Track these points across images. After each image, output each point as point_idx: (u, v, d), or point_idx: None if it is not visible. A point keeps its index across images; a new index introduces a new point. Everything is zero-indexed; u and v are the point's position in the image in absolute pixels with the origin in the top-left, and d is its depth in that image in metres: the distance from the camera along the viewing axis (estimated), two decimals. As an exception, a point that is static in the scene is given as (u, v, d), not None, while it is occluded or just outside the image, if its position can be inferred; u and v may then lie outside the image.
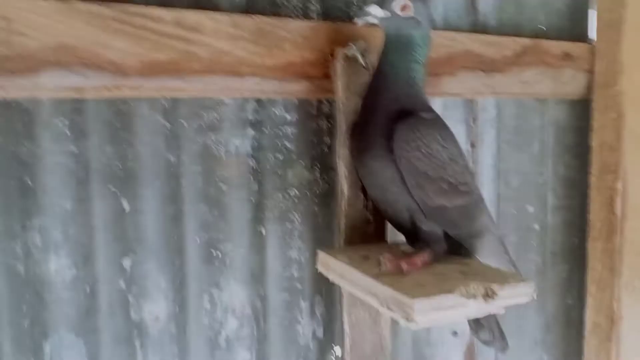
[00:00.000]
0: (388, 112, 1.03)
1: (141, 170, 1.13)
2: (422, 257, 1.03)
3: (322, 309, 1.34)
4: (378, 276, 0.98)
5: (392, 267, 1.00)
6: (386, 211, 1.10)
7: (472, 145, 1.53)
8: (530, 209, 1.65)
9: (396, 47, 1.05)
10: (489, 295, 0.94)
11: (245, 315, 1.25)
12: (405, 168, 0.99)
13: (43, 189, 1.04)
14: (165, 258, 1.16)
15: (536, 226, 1.66)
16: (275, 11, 1.24)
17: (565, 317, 1.73)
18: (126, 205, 1.12)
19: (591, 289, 1.61)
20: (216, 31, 1.12)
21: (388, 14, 1.03)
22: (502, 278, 0.98)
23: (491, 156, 1.57)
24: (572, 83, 1.60)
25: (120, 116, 1.11)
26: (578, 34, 1.67)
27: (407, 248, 1.13)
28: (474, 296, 0.93)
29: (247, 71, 1.16)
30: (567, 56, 1.57)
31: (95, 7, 1.01)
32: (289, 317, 1.31)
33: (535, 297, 0.98)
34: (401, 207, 1.05)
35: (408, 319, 0.88)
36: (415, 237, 1.08)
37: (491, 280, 0.96)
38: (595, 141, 1.60)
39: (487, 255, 1.12)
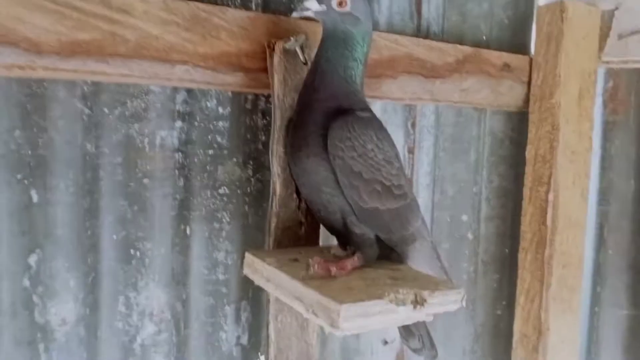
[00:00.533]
0: (324, 109, 0.99)
1: (54, 159, 1.04)
2: (352, 261, 0.98)
3: (248, 315, 1.28)
4: (305, 280, 0.93)
5: (321, 271, 0.95)
6: (319, 212, 1.05)
7: (410, 151, 1.51)
8: (465, 217, 1.65)
9: (333, 43, 1.02)
10: (418, 302, 0.91)
11: (164, 319, 1.17)
12: (339, 167, 0.95)
13: (-63, 173, 0.93)
14: (76, 255, 1.07)
15: (469, 235, 1.66)
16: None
17: (494, 327, 1.73)
18: (35, 196, 1.02)
19: (520, 299, 1.61)
20: (146, 13, 1.04)
21: (324, 7, 1.00)
22: (432, 285, 0.95)
23: (428, 163, 1.55)
24: (510, 94, 1.61)
25: (33, 98, 1.01)
26: (519, 45, 1.68)
27: (339, 251, 1.09)
28: (403, 302, 0.89)
29: (178, 58, 1.08)
30: (506, 67, 1.58)
31: (9, -23, 0.91)
32: (212, 323, 1.24)
33: (464, 305, 0.95)
34: (334, 208, 1.00)
35: (333, 325, 0.84)
36: (347, 240, 1.04)
37: (421, 286, 0.93)
38: (529, 153, 1.61)
39: (419, 261, 1.09)
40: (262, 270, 1.04)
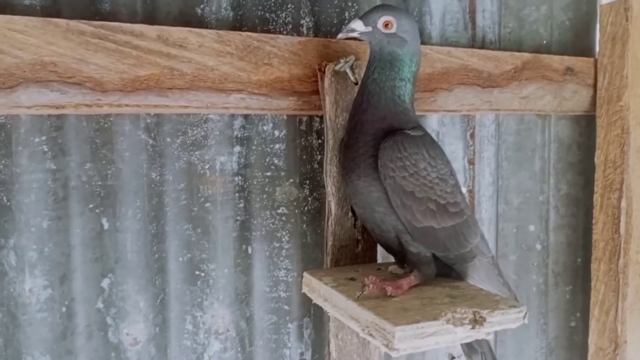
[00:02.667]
0: (374, 130, 1.00)
1: (122, 188, 1.11)
2: (408, 280, 0.98)
3: (310, 332, 1.30)
4: (361, 300, 0.94)
5: (376, 290, 0.96)
6: (373, 231, 1.06)
7: (470, 162, 1.49)
8: (532, 227, 1.60)
9: (380, 64, 1.02)
10: (477, 321, 0.90)
11: (229, 337, 1.22)
12: (391, 187, 0.95)
13: (19, 207, 1.02)
14: (145, 278, 1.13)
15: (538, 245, 1.60)
16: (265, 27, 1.22)
17: (568, 339, 1.67)
18: (106, 224, 1.10)
19: (594, 311, 1.54)
20: (201, 46, 1.10)
21: (370, 29, 1.01)
22: (492, 303, 0.93)
23: (490, 173, 1.52)
24: (574, 98, 1.55)
25: (101, 132, 1.09)
26: (583, 47, 1.62)
27: (396, 269, 1.09)
28: (461, 322, 0.88)
29: (233, 87, 1.13)
30: (569, 71, 1.53)
31: (74, 24, 0.99)
32: (276, 340, 1.27)
33: (526, 322, 0.93)
34: (388, 227, 1.01)
35: (389, 346, 0.84)
36: (403, 258, 1.04)
37: (480, 305, 0.92)
38: (599, 158, 1.54)
39: (479, 278, 1.07)
40: (319, 290, 1.06)
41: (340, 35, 1.03)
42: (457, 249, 1.03)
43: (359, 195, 1.03)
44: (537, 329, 1.62)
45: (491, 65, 1.41)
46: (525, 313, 0.93)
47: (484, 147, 1.51)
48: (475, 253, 1.06)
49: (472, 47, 1.46)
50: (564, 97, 1.53)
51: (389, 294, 0.95)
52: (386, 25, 1.00)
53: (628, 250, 1.48)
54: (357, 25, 1.01)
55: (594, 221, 1.56)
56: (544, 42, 1.57)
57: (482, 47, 1.48)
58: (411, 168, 0.95)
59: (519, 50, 1.52)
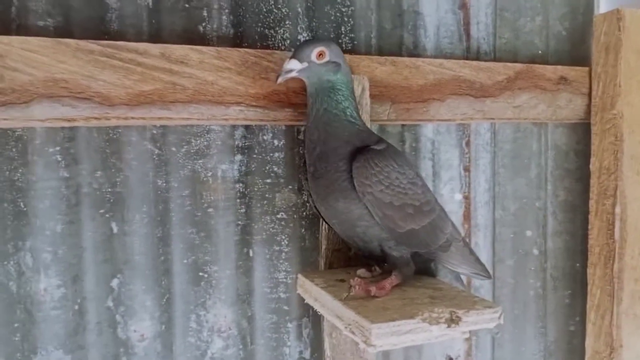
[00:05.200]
0: (341, 155, 1.05)
1: (130, 195, 1.19)
2: (390, 280, 1.05)
3: (309, 331, 1.37)
4: (346, 300, 1.00)
5: (362, 291, 1.02)
6: (356, 243, 1.12)
7: (466, 169, 1.54)
8: (529, 233, 1.64)
9: (324, 93, 1.07)
10: (453, 320, 0.95)
11: (231, 335, 1.29)
12: (371, 202, 1.02)
13: (35, 212, 1.11)
14: (152, 278, 1.21)
15: (535, 250, 1.64)
16: (264, 43, 1.30)
17: (567, 343, 1.70)
18: (115, 228, 1.18)
19: (590, 315, 1.58)
20: (202, 62, 1.18)
21: (306, 64, 1.06)
22: (470, 304, 0.99)
23: (486, 180, 1.57)
24: (569, 107, 1.59)
25: (110, 143, 1.17)
26: (579, 57, 1.66)
27: (364, 273, 1.16)
28: (437, 321, 0.94)
29: (232, 100, 1.21)
30: (563, 80, 1.57)
31: (83, 43, 1.08)
32: (276, 338, 1.34)
33: (502, 322, 0.98)
34: (370, 238, 1.07)
35: (367, 342, 0.90)
36: (382, 262, 1.11)
37: (458, 305, 0.98)
38: (594, 165, 1.58)
39: (457, 261, 1.15)
40: (311, 290, 1.13)
41: (279, 80, 1.07)
42: (437, 242, 1.10)
43: (338, 215, 1.08)
44: (535, 332, 1.66)
45: (484, 76, 1.46)
46: (501, 313, 0.98)
47: (480, 155, 1.56)
48: (450, 241, 1.13)
49: (467, 58, 1.52)
50: (558, 105, 1.57)
51: (372, 294, 1.02)
52: (320, 55, 1.06)
53: (623, 256, 1.51)
54: (294, 65, 1.06)
55: (589, 227, 1.59)
56: (540, 52, 1.62)
57: (477, 58, 1.53)
58: (385, 181, 1.02)
59: (514, 60, 1.57)
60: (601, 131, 1.56)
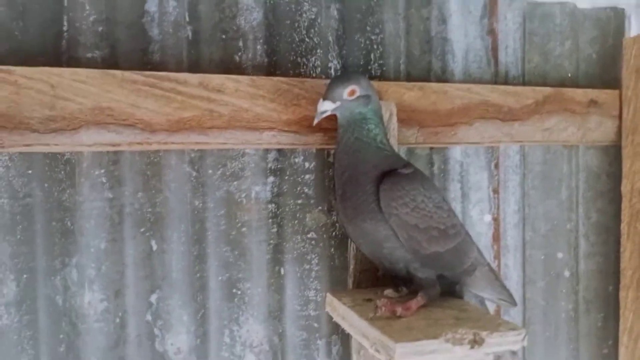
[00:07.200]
0: (370, 179, 1.09)
1: (169, 215, 1.26)
2: (416, 301, 1.08)
3: (338, 348, 1.40)
4: (372, 319, 1.04)
5: (387, 311, 1.06)
6: (382, 264, 1.16)
7: (495, 191, 1.56)
8: (560, 255, 1.64)
9: (355, 124, 1.13)
10: (476, 341, 0.98)
11: (263, 351, 1.34)
12: (397, 224, 1.06)
13: (81, 230, 1.19)
14: (188, 294, 1.27)
15: (566, 272, 1.64)
16: (296, 70, 1.36)
17: (601, 367, 1.69)
18: (154, 246, 1.25)
19: (623, 338, 1.56)
20: (237, 91, 1.24)
21: (339, 103, 1.12)
22: (494, 325, 1.01)
23: (515, 202, 1.59)
24: (600, 129, 1.60)
25: (151, 166, 1.25)
26: (610, 80, 1.67)
27: (391, 293, 1.19)
28: (460, 342, 0.97)
29: (265, 126, 1.27)
30: (593, 103, 1.58)
31: (128, 74, 1.16)
32: (306, 355, 1.38)
33: (525, 344, 1.00)
34: (396, 259, 1.11)
35: (391, 361, 0.94)
36: (409, 283, 1.14)
37: (482, 327, 1.00)
38: (625, 187, 1.58)
39: (481, 285, 1.17)
40: (339, 309, 1.17)
41: (315, 121, 1.14)
42: (461, 266, 1.13)
43: (365, 236, 1.13)
44: (568, 354, 1.65)
45: (511, 100, 1.49)
46: (524, 335, 1.00)
47: (509, 177, 1.58)
48: (475, 265, 1.16)
49: (496, 82, 1.54)
50: (588, 128, 1.58)
51: (398, 314, 1.05)
52: (352, 93, 1.11)
53: (656, 279, 1.50)
54: (327, 106, 1.12)
55: (621, 249, 1.59)
56: (569, 75, 1.63)
57: (506, 82, 1.56)
58: (411, 203, 1.05)
59: (544, 84, 1.59)
60: (632, 154, 1.56)
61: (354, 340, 1.26)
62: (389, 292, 1.19)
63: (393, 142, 1.31)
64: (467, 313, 1.09)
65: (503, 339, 0.99)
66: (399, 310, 1.05)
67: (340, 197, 1.15)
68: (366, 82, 1.15)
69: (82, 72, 1.13)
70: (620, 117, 1.60)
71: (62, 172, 1.19)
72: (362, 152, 1.12)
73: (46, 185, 1.17)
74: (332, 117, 1.29)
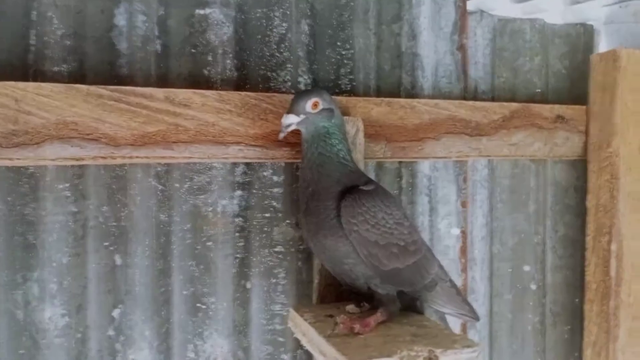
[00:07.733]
0: (332, 194, 1.11)
1: (133, 228, 1.26)
2: (375, 318, 1.09)
3: (304, 362, 1.41)
4: (330, 336, 1.05)
5: (346, 328, 1.07)
6: (344, 280, 1.17)
7: (463, 205, 1.57)
8: (527, 268, 1.66)
9: (319, 138, 1.14)
10: (431, 359, 0.99)
11: (227, 365, 1.34)
12: (357, 241, 1.07)
13: (43, 244, 1.18)
14: (152, 309, 1.27)
15: (532, 285, 1.66)
16: (266, 85, 1.36)
17: (567, 379, 1.71)
18: (118, 260, 1.25)
19: (587, 352, 1.59)
20: (204, 105, 1.25)
21: (303, 116, 1.12)
22: (449, 342, 1.03)
23: (483, 215, 1.60)
24: (567, 144, 1.62)
25: (116, 179, 1.25)
26: (579, 95, 1.69)
27: (352, 308, 1.20)
28: (415, 360, 0.98)
29: (231, 140, 1.27)
30: (560, 118, 1.60)
31: (93, 88, 1.16)
32: (272, 369, 1.38)
33: (480, 363, 1.01)
34: (357, 275, 1.12)
35: (346, 379, 0.95)
36: (370, 298, 1.15)
37: (437, 344, 1.01)
38: (590, 202, 1.60)
39: (443, 301, 1.19)
40: (300, 325, 1.17)
41: (281, 136, 1.15)
42: (421, 282, 1.14)
43: (327, 252, 1.14)
44: (535, 367, 1.67)
45: (479, 115, 1.51)
46: (479, 353, 1.02)
47: (477, 190, 1.60)
48: (436, 281, 1.17)
49: (465, 97, 1.56)
50: (555, 143, 1.60)
51: (356, 331, 1.06)
52: (315, 105, 1.12)
53: (619, 293, 1.53)
54: (292, 119, 1.12)
55: (586, 263, 1.61)
56: (539, 90, 1.66)
57: (475, 97, 1.58)
58: (371, 220, 1.06)
59: (513, 99, 1.61)
60: (598, 169, 1.58)
61: (315, 357, 1.26)
62: (350, 307, 1.19)
63: (360, 157, 1.32)
64: (425, 329, 1.10)
65: (457, 356, 1.00)
66: (357, 327, 1.06)
67: (304, 212, 1.16)
68: (329, 97, 1.16)
69: (46, 86, 1.13)
70: (587, 132, 1.63)
71: (26, 186, 1.18)
72: (325, 167, 1.13)
73: (9, 199, 1.17)
74: (299, 132, 1.30)
